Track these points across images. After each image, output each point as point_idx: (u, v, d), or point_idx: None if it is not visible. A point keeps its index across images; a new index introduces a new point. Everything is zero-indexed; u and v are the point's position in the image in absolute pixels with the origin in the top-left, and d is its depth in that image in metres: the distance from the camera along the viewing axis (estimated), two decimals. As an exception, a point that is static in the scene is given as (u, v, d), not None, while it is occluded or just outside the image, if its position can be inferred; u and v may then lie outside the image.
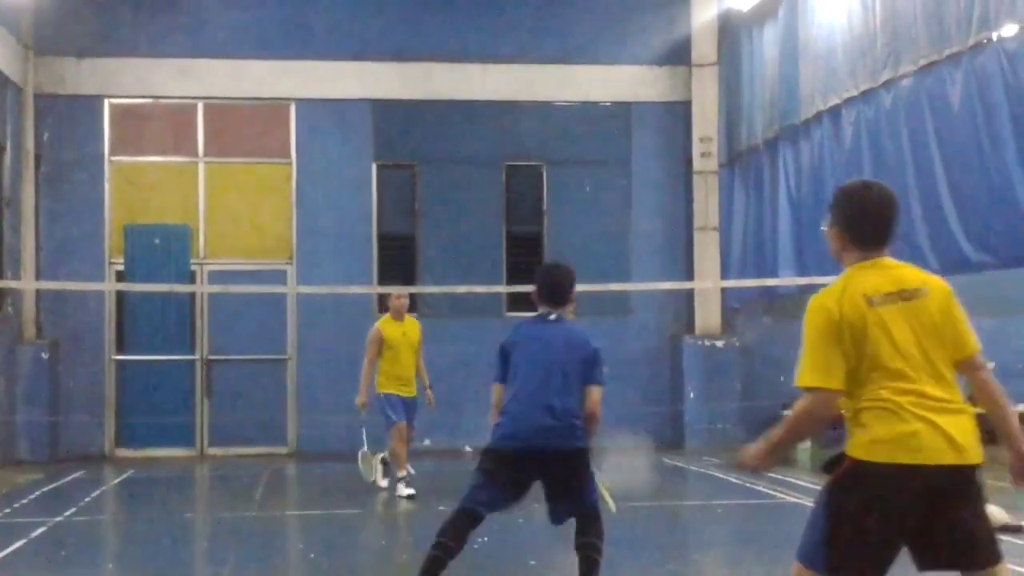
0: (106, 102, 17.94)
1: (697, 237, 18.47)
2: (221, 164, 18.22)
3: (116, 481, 14.95)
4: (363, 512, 11.81)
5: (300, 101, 18.21)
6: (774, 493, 12.74)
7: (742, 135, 17.13)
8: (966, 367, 4.59)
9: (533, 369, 6.82)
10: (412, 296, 18.07)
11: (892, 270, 4.64)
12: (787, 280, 14.20)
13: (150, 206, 18.05)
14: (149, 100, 18.13)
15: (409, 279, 17.54)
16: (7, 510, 11.93)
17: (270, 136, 18.31)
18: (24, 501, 12.72)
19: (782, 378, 18.55)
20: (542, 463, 6.75)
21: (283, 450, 17.88)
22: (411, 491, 12.12)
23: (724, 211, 17.97)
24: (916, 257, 11.07)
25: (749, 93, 16.81)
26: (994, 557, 4.46)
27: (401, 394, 12.33)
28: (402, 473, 12.32)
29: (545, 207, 18.83)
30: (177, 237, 17.80)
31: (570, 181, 18.78)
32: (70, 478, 14.82)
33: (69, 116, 17.74)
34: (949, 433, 4.36)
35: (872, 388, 4.46)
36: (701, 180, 18.45)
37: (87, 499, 13.02)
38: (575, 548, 6.83)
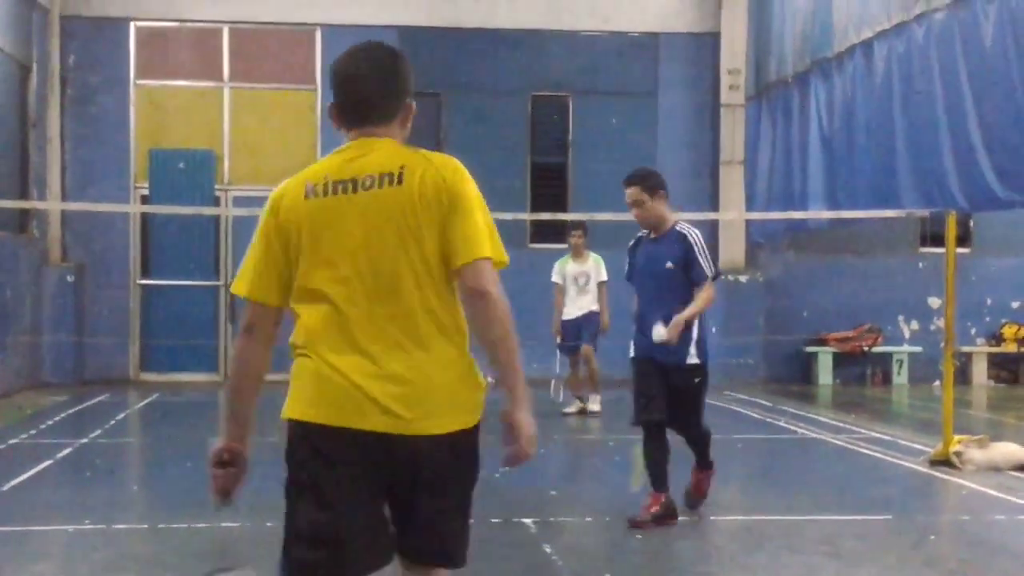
0: (132, 24, 17.85)
1: (723, 171, 18.34)
2: (247, 89, 18.15)
3: (140, 404, 15.08)
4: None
5: (326, 27, 18.06)
6: (795, 428, 12.78)
7: (771, 68, 16.92)
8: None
9: None
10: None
11: (363, 151, 3.74)
12: (816, 214, 14.10)
13: (175, 130, 18.02)
14: (175, 23, 18.03)
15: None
16: (33, 431, 12.07)
17: (296, 62, 18.20)
18: (50, 422, 12.87)
19: (805, 314, 18.54)
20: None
21: (306, 376, 17.93)
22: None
23: (750, 145, 17.82)
24: (943, 194, 10.98)
25: (780, 25, 16.58)
26: None
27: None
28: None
29: (571, 138, 18.72)
30: (202, 162, 17.77)
31: (596, 112, 18.65)
32: (95, 401, 14.97)
33: (95, 38, 17.67)
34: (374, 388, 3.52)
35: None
36: (728, 113, 18.28)
37: (112, 422, 13.15)
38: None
